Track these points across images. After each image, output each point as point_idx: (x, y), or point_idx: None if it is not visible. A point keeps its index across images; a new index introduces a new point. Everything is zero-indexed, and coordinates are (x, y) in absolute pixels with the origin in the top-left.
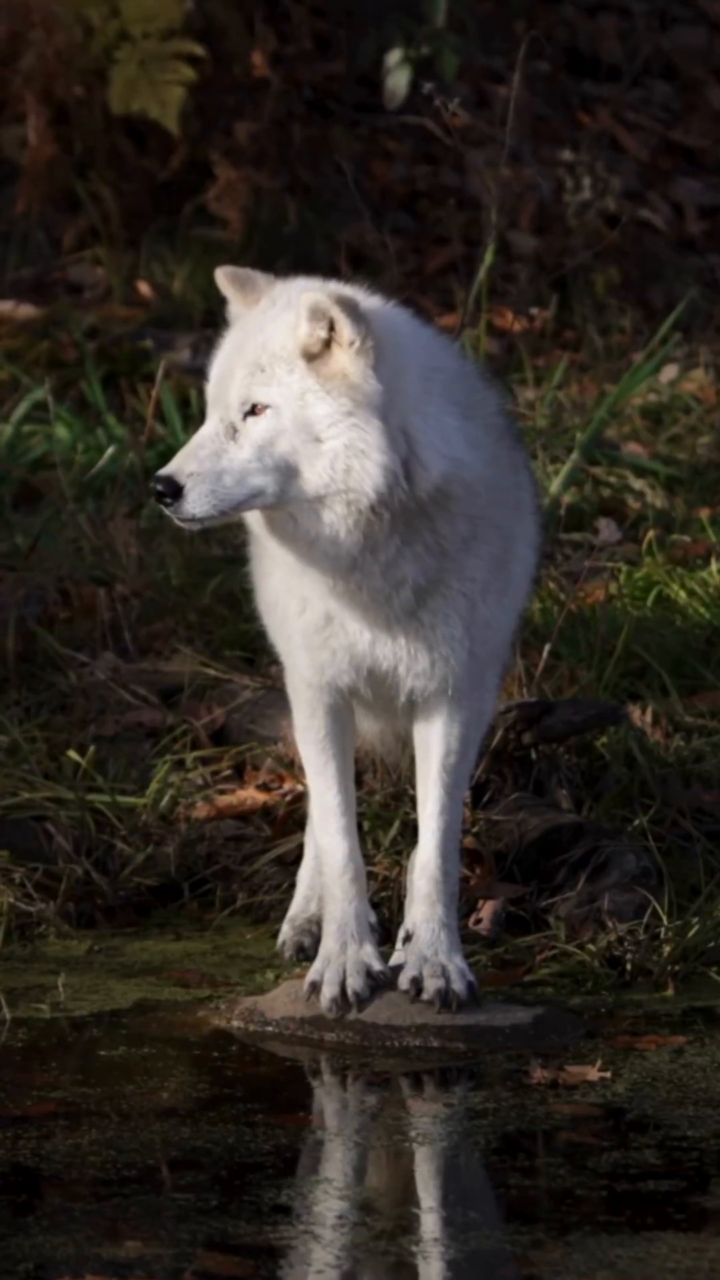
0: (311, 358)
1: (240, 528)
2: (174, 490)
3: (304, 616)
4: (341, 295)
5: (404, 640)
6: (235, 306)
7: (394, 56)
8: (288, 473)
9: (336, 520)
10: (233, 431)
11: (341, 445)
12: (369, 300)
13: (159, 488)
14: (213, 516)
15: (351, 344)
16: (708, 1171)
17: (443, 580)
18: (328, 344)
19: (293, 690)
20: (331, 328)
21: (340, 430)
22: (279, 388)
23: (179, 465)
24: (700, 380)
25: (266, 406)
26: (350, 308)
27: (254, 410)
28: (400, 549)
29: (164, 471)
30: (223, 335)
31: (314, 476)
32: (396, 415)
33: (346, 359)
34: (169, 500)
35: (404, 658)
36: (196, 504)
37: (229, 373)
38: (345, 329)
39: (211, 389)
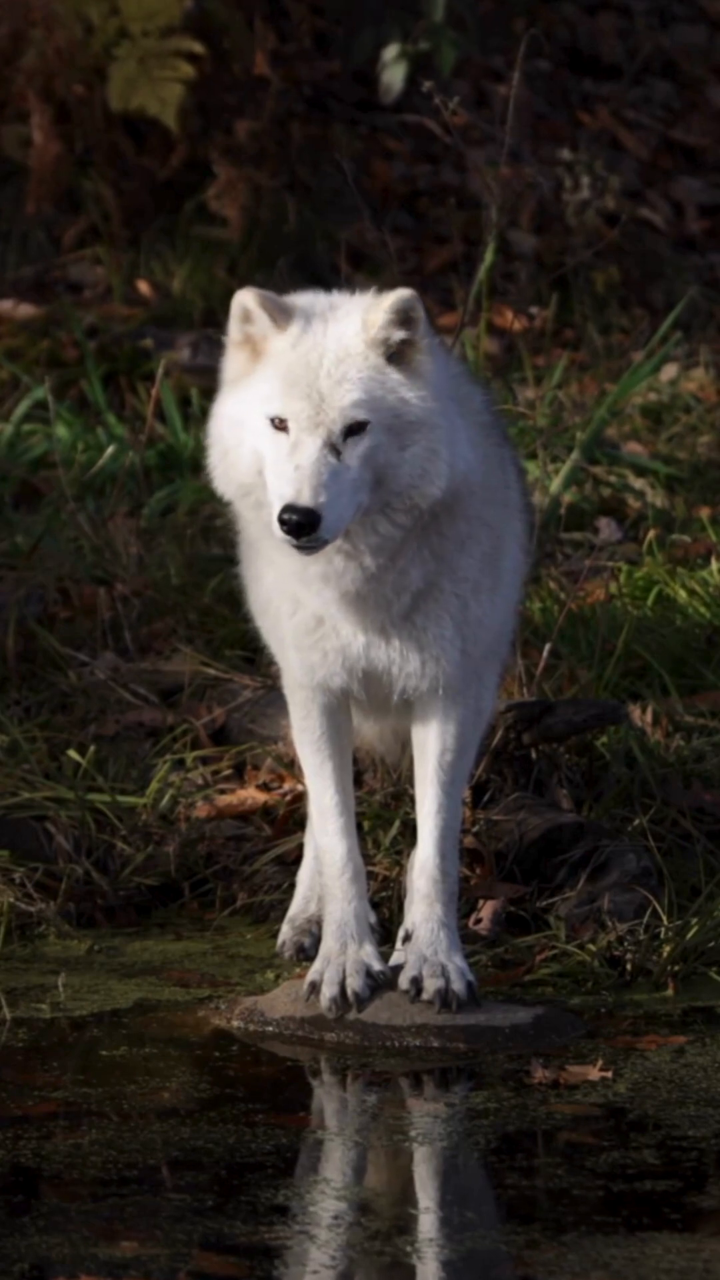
0: (392, 362)
1: (233, 525)
2: (316, 521)
3: (295, 618)
4: (414, 294)
5: (397, 642)
6: (260, 327)
7: (390, 51)
8: (376, 483)
9: (392, 528)
10: (336, 452)
11: (422, 449)
12: None
13: (299, 519)
14: (338, 536)
15: (426, 341)
16: (706, 1172)
17: (436, 583)
18: (402, 345)
19: (288, 691)
20: (411, 327)
21: (423, 434)
22: (378, 402)
23: (311, 496)
24: (700, 379)
25: (366, 421)
26: (422, 306)
27: (354, 428)
28: (411, 555)
29: (301, 504)
30: (229, 354)
31: (394, 482)
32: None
33: (424, 358)
34: (309, 530)
35: (395, 659)
36: (330, 529)
37: (317, 393)
38: (423, 327)
39: (303, 415)
